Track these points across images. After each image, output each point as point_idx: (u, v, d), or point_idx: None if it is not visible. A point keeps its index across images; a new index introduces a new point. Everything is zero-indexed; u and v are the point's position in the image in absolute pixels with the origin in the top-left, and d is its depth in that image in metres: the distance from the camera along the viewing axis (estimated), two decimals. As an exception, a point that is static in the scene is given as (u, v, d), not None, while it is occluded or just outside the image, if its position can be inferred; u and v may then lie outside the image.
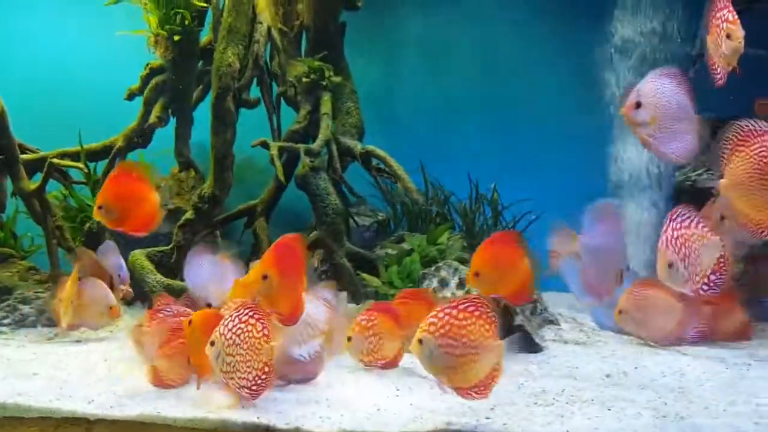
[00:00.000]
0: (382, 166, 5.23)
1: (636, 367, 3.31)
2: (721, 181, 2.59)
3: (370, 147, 5.21)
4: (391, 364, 3.24)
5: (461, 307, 2.32)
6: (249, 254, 5.51)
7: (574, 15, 6.16)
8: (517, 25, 6.49)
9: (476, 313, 2.31)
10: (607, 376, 3.18)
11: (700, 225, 2.61)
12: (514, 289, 2.83)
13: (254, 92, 5.62)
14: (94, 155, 5.40)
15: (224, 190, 4.95)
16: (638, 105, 2.72)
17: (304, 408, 2.69)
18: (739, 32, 2.66)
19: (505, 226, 5.84)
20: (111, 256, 4.45)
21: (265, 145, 4.98)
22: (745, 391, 2.94)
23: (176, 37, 5.16)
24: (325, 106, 5.28)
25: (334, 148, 5.14)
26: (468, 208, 5.82)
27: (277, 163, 4.82)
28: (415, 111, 6.55)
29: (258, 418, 2.57)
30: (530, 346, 3.55)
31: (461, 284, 4.12)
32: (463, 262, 4.66)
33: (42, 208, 4.90)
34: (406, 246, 4.97)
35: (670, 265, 2.63)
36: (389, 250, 5.05)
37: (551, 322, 4.01)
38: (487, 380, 2.42)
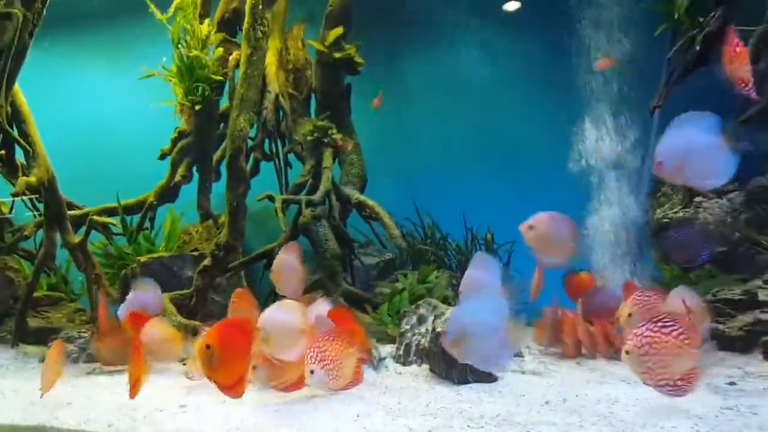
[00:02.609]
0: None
1: (576, 395, 3.71)
2: None
3: (363, 198, 5.83)
4: (297, 386, 3.60)
5: None
6: (267, 293, 6.19)
7: (566, 69, 6.61)
8: (510, 79, 7.04)
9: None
10: (546, 402, 3.59)
11: (679, 335, 2.82)
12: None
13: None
14: (130, 209, 6.22)
15: (238, 239, 5.65)
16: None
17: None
18: None
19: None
20: (147, 290, 4.93)
21: (270, 198, 5.67)
22: (662, 415, 3.30)
23: (197, 107, 5.95)
24: (327, 161, 5.95)
25: (333, 198, 5.78)
26: (462, 247, 6.36)
27: (281, 215, 5.50)
28: (417, 160, 7.16)
29: None
30: (486, 376, 4.00)
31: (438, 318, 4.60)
32: (445, 299, 5.17)
33: (84, 258, 5.71)
34: (399, 285, 5.51)
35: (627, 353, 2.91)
36: (384, 289, 5.60)
37: (516, 354, 4.44)
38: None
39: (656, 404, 3.53)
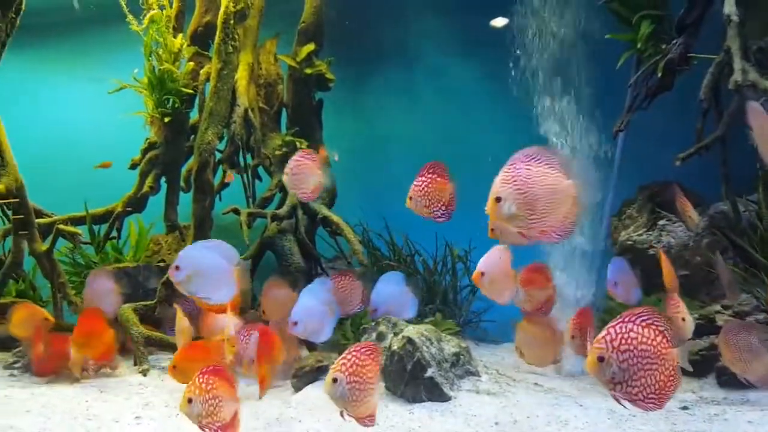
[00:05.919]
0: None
1: (528, 416, 3.74)
2: None
3: (328, 213, 5.86)
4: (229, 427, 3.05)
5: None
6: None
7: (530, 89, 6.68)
8: (482, 95, 7.13)
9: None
10: (496, 423, 3.62)
11: None
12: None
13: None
14: (97, 219, 6.20)
15: (203, 251, 5.62)
16: None
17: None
18: None
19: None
20: None
21: (236, 212, 5.67)
22: (609, 438, 3.35)
23: (167, 119, 5.96)
24: (295, 176, 5.95)
25: (299, 213, 5.79)
26: (430, 263, 6.39)
27: (245, 228, 5.49)
28: (390, 175, 7.18)
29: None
30: (439, 395, 4.02)
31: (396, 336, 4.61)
32: (406, 316, 5.19)
33: (50, 267, 5.67)
34: (362, 301, 5.52)
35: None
36: (348, 305, 5.60)
37: (472, 373, 4.45)
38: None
39: (604, 427, 3.57)
